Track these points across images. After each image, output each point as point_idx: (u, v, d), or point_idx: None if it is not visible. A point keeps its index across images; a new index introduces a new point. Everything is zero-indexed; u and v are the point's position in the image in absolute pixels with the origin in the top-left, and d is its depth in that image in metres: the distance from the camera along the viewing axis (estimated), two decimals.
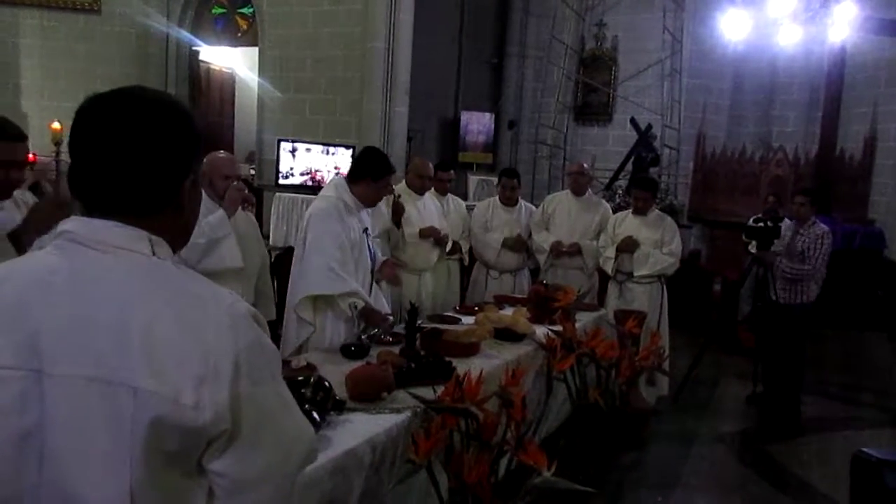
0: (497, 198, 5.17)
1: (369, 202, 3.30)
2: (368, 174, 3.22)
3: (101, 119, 0.97)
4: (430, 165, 4.64)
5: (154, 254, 0.98)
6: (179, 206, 1.04)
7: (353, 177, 3.27)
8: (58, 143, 5.56)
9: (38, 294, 0.94)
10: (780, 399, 4.89)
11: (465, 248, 4.99)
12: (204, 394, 0.90)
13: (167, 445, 0.91)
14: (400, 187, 4.50)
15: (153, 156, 0.98)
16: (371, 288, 3.33)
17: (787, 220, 5.21)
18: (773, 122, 10.06)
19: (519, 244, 5.01)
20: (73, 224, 0.98)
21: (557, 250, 4.90)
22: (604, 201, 5.44)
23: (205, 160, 2.99)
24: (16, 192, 2.32)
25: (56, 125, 5.56)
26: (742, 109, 10.13)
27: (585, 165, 5.49)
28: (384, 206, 4.10)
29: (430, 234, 4.47)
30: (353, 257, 3.18)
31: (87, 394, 0.90)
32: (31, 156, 5.74)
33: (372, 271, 3.35)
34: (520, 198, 5.17)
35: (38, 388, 0.91)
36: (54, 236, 0.99)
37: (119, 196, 0.97)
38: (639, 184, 5.15)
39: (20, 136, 2.25)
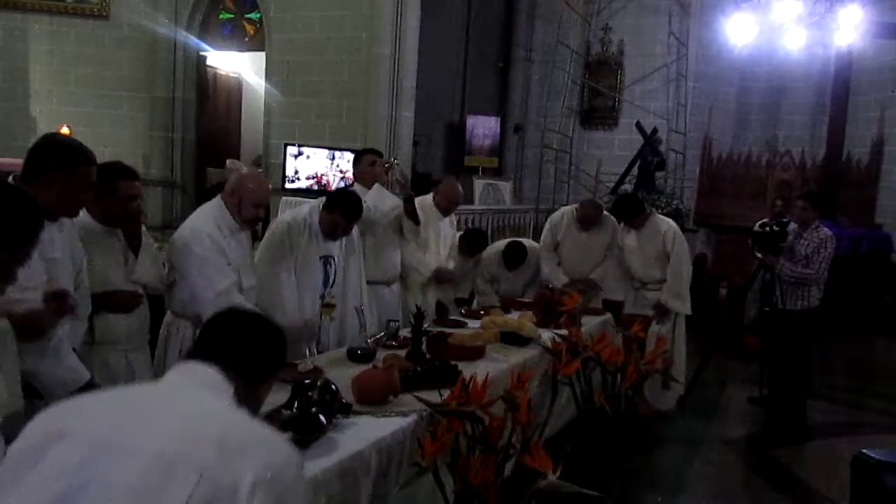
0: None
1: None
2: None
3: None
4: (461, 190, 4.56)
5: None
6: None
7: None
8: None
9: None
10: (785, 403, 4.88)
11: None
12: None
13: None
14: (425, 203, 4.41)
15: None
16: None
17: (792, 224, 5.21)
18: (779, 127, 10.04)
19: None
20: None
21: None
22: (609, 216, 5.06)
23: (239, 178, 3.01)
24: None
25: (65, 130, 5.59)
26: (748, 113, 10.12)
27: (599, 202, 5.20)
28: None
29: (444, 280, 4.40)
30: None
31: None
32: None
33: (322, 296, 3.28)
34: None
35: None
36: None
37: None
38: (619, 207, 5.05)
39: (136, 175, 2.65)
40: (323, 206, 3.31)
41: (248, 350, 1.37)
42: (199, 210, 3.07)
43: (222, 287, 2.80)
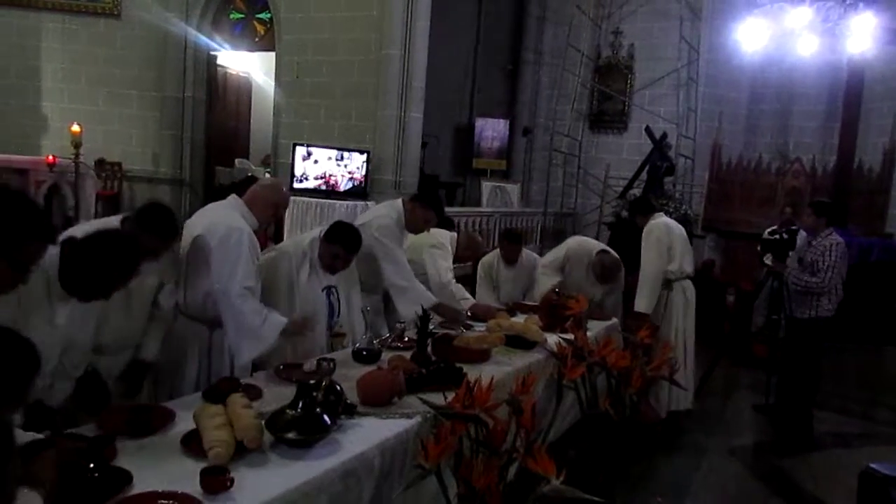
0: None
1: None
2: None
3: None
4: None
5: None
6: None
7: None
8: (77, 146, 5.62)
9: None
10: (792, 413, 4.84)
11: None
12: None
13: None
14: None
15: None
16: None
17: (802, 231, 5.16)
18: (790, 133, 9.98)
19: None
20: None
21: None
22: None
23: (262, 186, 3.07)
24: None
25: (75, 128, 5.62)
26: (759, 119, 10.07)
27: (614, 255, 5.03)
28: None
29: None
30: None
31: None
32: (50, 158, 5.83)
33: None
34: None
35: None
36: None
37: None
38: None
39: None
40: (323, 238, 3.28)
41: None
42: (221, 209, 3.03)
43: (250, 284, 2.81)
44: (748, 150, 9.62)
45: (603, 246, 5.04)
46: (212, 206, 3.12)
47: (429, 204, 3.87)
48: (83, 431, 2.03)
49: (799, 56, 7.24)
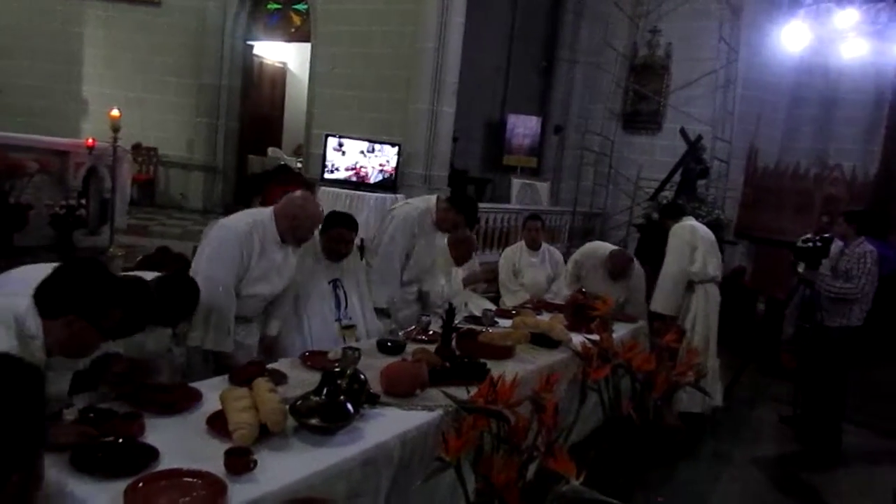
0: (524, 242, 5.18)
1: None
2: None
3: None
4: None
5: None
6: None
7: None
8: (115, 130, 5.73)
9: None
10: (819, 425, 4.74)
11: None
12: None
13: None
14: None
15: None
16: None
17: (837, 241, 5.05)
18: (830, 139, 9.71)
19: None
20: None
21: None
22: (637, 265, 4.99)
23: (300, 203, 3.05)
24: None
25: (115, 112, 5.72)
26: (798, 124, 9.82)
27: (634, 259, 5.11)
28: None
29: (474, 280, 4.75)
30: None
31: None
32: (90, 141, 5.94)
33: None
34: (543, 241, 5.15)
35: None
36: None
37: None
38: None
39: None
40: (321, 230, 3.33)
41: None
42: (247, 211, 3.15)
43: (210, 274, 2.85)
44: (786, 155, 9.41)
45: (613, 247, 5.05)
46: (244, 213, 3.18)
47: (461, 209, 3.90)
48: (113, 407, 2.08)
49: (843, 59, 7.06)
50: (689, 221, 4.96)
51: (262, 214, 3.03)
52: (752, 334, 6.58)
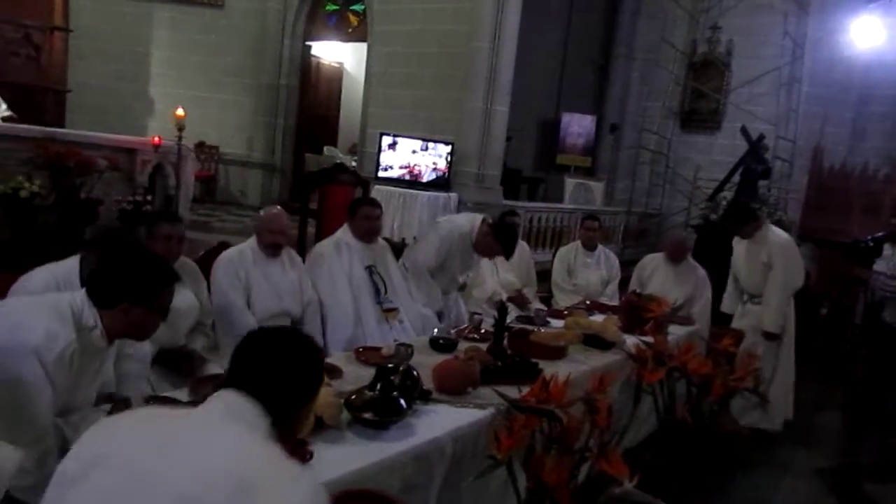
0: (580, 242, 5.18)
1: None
2: None
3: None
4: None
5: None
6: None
7: None
8: (180, 128, 5.94)
9: None
10: (883, 434, 4.54)
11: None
12: None
13: None
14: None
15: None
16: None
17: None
18: None
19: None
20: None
21: None
22: (699, 267, 4.91)
23: (259, 217, 3.38)
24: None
25: (180, 111, 5.93)
26: (867, 123, 9.39)
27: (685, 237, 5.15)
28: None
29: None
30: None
31: None
32: (156, 139, 6.18)
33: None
34: (599, 243, 5.16)
35: None
36: None
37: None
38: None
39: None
40: (350, 216, 3.59)
41: (281, 381, 1.32)
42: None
43: (218, 300, 3.11)
44: (853, 155, 9.02)
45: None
46: None
47: (500, 238, 3.94)
48: (177, 395, 2.17)
49: None
50: (775, 228, 4.67)
51: (251, 239, 3.34)
52: (816, 340, 6.35)
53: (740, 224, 4.52)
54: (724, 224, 4.78)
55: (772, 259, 4.39)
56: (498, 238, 3.92)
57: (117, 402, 2.06)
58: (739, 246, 4.62)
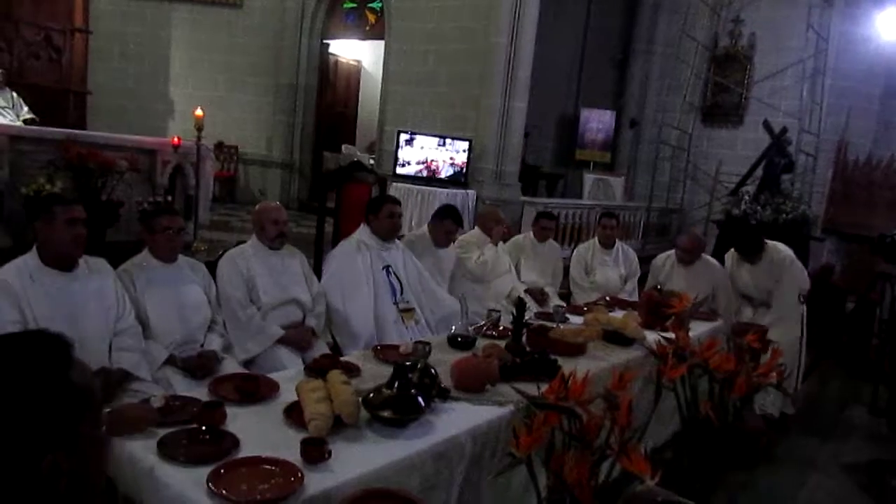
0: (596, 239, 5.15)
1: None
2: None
3: None
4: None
5: None
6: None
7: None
8: (199, 129, 5.98)
9: None
10: None
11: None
12: None
13: None
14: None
15: None
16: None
17: None
18: None
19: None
20: None
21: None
22: (712, 260, 4.82)
23: (255, 210, 3.39)
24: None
25: (199, 112, 5.97)
26: (892, 115, 9.20)
27: (699, 236, 5.02)
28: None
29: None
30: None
31: None
32: (176, 140, 6.23)
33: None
34: (617, 239, 5.13)
35: None
36: None
37: None
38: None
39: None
40: (373, 214, 3.62)
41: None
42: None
43: (228, 294, 3.15)
44: (878, 148, 8.84)
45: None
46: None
47: (439, 216, 4.12)
48: (197, 395, 2.18)
49: None
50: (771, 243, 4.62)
51: (252, 238, 3.38)
52: (841, 336, 6.24)
53: (757, 253, 4.51)
54: (738, 254, 4.65)
55: (781, 277, 4.45)
56: (438, 217, 4.10)
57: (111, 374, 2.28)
58: (740, 269, 4.60)
